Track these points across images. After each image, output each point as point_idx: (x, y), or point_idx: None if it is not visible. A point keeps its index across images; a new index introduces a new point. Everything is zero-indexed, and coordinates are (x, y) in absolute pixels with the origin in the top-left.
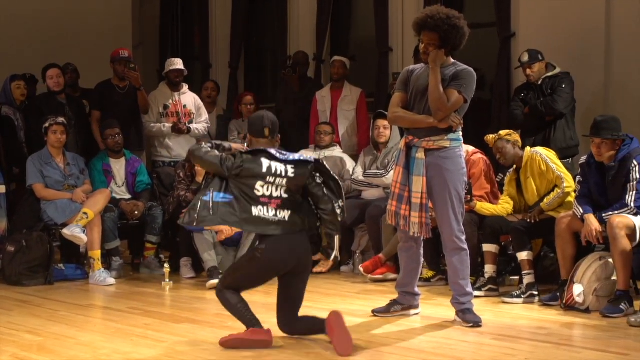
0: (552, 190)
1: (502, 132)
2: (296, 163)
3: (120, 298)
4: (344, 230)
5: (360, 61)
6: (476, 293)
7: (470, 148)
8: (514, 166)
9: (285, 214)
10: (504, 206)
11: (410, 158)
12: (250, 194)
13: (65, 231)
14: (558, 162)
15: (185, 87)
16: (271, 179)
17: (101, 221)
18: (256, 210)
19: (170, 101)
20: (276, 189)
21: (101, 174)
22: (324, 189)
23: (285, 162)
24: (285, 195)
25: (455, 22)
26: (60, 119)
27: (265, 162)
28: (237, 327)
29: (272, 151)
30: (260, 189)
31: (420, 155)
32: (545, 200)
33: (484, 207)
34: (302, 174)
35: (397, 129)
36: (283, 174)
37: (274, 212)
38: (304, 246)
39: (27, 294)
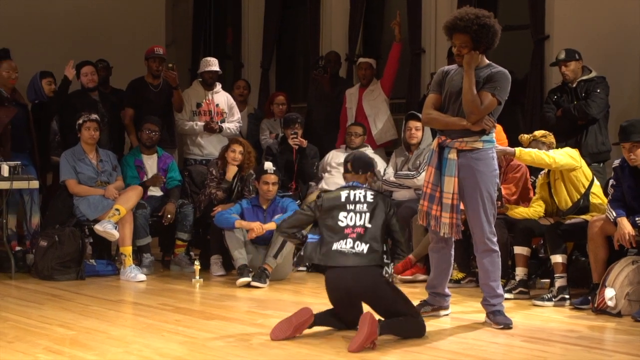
0: (583, 194)
1: (538, 133)
2: (376, 192)
3: (151, 294)
4: None
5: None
6: (506, 295)
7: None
8: (545, 170)
9: (363, 247)
10: (535, 209)
11: (442, 158)
12: (335, 226)
13: (97, 227)
14: (574, 157)
15: (219, 87)
16: (351, 206)
17: (133, 217)
18: (336, 245)
19: (203, 100)
20: (360, 218)
21: (133, 169)
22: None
23: (366, 189)
24: (368, 225)
25: (485, 21)
26: (94, 116)
27: (344, 193)
28: (267, 325)
29: (355, 183)
30: (344, 219)
31: (453, 155)
32: (527, 142)
33: (516, 211)
34: (381, 199)
35: (429, 130)
36: (362, 199)
37: (351, 243)
38: (372, 279)
39: (58, 289)
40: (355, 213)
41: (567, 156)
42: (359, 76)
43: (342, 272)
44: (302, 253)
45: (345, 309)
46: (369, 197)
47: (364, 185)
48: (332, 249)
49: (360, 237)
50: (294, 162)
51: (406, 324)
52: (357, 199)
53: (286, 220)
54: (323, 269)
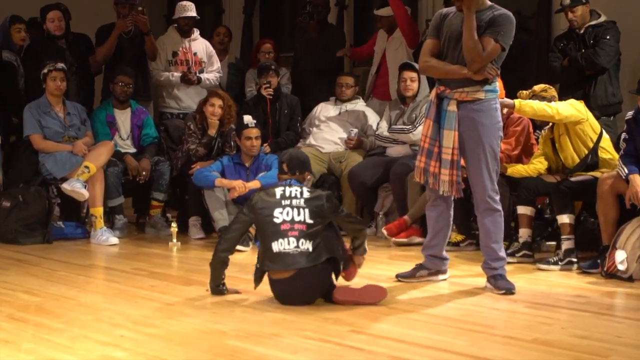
0: (591, 148)
1: (537, 88)
2: (314, 190)
3: (124, 259)
4: (366, 189)
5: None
6: (509, 259)
7: None
8: (550, 123)
9: (308, 245)
10: (535, 166)
11: (441, 110)
12: (271, 224)
13: (65, 186)
14: (579, 108)
15: (197, 33)
16: (287, 202)
17: (104, 176)
18: (276, 246)
19: (180, 48)
20: (298, 213)
21: (104, 125)
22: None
23: (302, 186)
24: (310, 221)
25: None
26: (60, 65)
27: (279, 190)
28: (250, 291)
29: (293, 181)
30: (279, 215)
31: (452, 107)
32: (527, 99)
33: (515, 170)
34: (318, 197)
35: (426, 81)
36: (299, 195)
37: (295, 242)
38: (323, 280)
39: (23, 253)
40: (292, 208)
41: (572, 107)
42: (378, 27)
43: (290, 283)
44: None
45: None
46: (306, 194)
47: (299, 183)
48: (274, 251)
49: (303, 235)
50: (268, 115)
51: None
52: (292, 194)
53: (223, 241)
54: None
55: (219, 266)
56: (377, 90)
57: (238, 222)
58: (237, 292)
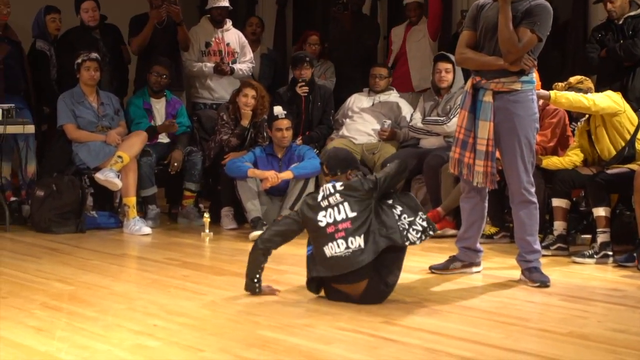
0: (628, 141)
1: (573, 80)
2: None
3: (157, 248)
4: None
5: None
6: (544, 252)
7: None
8: (586, 115)
9: (359, 241)
10: (571, 158)
11: (476, 101)
12: (318, 230)
13: (98, 175)
14: (617, 100)
15: (229, 24)
16: (326, 202)
17: (137, 166)
18: (328, 251)
19: (213, 38)
20: (338, 211)
21: (142, 109)
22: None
23: (335, 181)
24: (352, 214)
25: None
26: (94, 55)
27: (320, 193)
28: (283, 281)
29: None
30: (323, 219)
31: (488, 98)
32: (563, 91)
33: (550, 162)
34: (351, 184)
35: (460, 73)
36: (332, 190)
37: (344, 243)
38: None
39: (57, 242)
40: (332, 207)
41: (609, 99)
42: (407, 17)
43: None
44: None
45: None
46: (339, 187)
47: (334, 182)
48: (327, 255)
49: (350, 232)
50: (302, 108)
51: None
52: (328, 192)
53: (267, 232)
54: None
55: (255, 258)
56: (395, 83)
57: (289, 217)
58: (273, 292)
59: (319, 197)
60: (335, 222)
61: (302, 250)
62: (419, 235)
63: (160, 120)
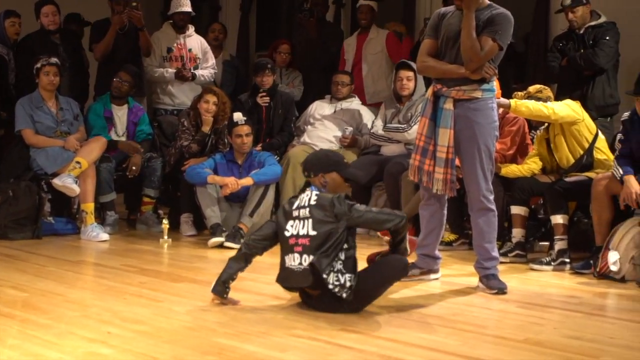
0: (586, 149)
1: (532, 89)
2: (322, 195)
3: (114, 255)
4: (359, 188)
5: (384, 6)
6: (502, 259)
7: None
8: (545, 124)
9: (309, 259)
10: (530, 166)
11: (437, 109)
12: (283, 237)
13: (56, 181)
14: (576, 109)
15: (191, 30)
16: (297, 212)
17: (95, 172)
18: (287, 260)
19: (175, 44)
20: (303, 225)
21: (102, 118)
22: (372, 210)
23: (313, 191)
24: (313, 232)
25: None
26: (54, 59)
27: (298, 199)
28: (240, 288)
29: (312, 187)
30: (290, 228)
31: (449, 105)
32: (522, 100)
33: (509, 170)
34: (324, 198)
35: (422, 81)
36: (306, 203)
37: (298, 259)
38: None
39: (12, 248)
40: (300, 220)
41: (568, 108)
42: (358, 19)
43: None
44: None
45: None
46: (313, 200)
47: (315, 188)
48: (286, 265)
49: (306, 250)
50: (263, 115)
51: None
52: (303, 203)
53: (252, 235)
54: None
55: (236, 262)
56: None
57: (272, 221)
58: (235, 303)
59: (294, 205)
60: (297, 236)
61: (259, 257)
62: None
63: (121, 128)
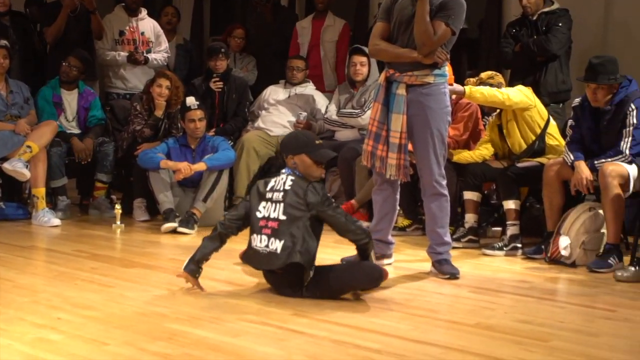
0: (538, 135)
1: (484, 75)
2: (298, 177)
3: (66, 240)
4: None
5: None
6: (455, 244)
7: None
8: (497, 110)
9: (277, 245)
10: (481, 152)
11: (390, 94)
12: (254, 218)
13: (6, 165)
14: (528, 95)
15: (144, 13)
16: (270, 195)
17: (47, 156)
18: (254, 241)
19: (127, 27)
20: (274, 208)
21: (51, 105)
22: (345, 216)
23: (288, 174)
24: (282, 217)
25: None
26: (3, 42)
27: (272, 180)
28: None
29: (286, 169)
30: (262, 209)
31: (401, 91)
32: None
33: (461, 156)
34: (299, 185)
35: (375, 66)
36: (281, 187)
37: (265, 241)
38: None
39: None
40: (272, 202)
41: (521, 93)
42: (315, 2)
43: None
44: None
45: None
46: (288, 184)
47: (290, 171)
48: (252, 245)
49: (274, 233)
50: (216, 100)
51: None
52: (277, 186)
53: (227, 215)
54: None
55: (211, 242)
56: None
57: (242, 205)
58: (202, 289)
59: (268, 186)
60: (268, 218)
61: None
62: None
63: (71, 113)
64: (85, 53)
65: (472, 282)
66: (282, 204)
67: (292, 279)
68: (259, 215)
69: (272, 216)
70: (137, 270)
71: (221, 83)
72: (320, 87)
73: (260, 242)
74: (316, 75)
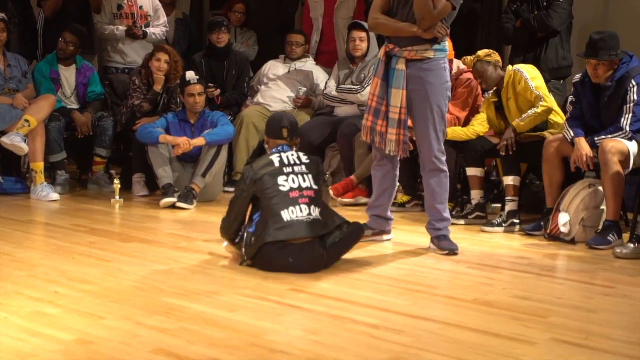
0: None
1: (481, 53)
2: (308, 157)
3: (64, 215)
4: (313, 149)
5: None
6: (462, 222)
7: (462, 66)
8: (495, 88)
9: (317, 212)
10: (475, 129)
11: (389, 69)
12: (277, 194)
13: (4, 140)
14: (541, 81)
15: None
16: (289, 169)
17: (45, 130)
18: (287, 214)
19: (125, 1)
20: (303, 179)
21: (49, 80)
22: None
23: (296, 151)
24: (315, 187)
25: None
26: (1, 15)
27: (275, 157)
28: (191, 249)
29: (285, 147)
30: (285, 183)
31: (401, 66)
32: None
33: (455, 133)
34: (315, 162)
35: (375, 41)
36: (298, 161)
37: (307, 209)
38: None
39: None
40: (297, 175)
41: (546, 89)
42: None
43: (303, 249)
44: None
45: None
46: (304, 159)
47: (293, 149)
48: (285, 220)
49: (313, 201)
50: (215, 74)
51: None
52: (292, 161)
53: (226, 219)
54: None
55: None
56: (322, 58)
57: (239, 198)
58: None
59: (276, 163)
60: (301, 189)
61: (212, 217)
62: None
63: (69, 89)
64: (80, 27)
65: (470, 259)
66: (310, 175)
67: (317, 247)
68: (284, 189)
69: (304, 186)
70: (135, 245)
71: (218, 91)
72: (334, 62)
73: (301, 211)
74: (330, 51)
